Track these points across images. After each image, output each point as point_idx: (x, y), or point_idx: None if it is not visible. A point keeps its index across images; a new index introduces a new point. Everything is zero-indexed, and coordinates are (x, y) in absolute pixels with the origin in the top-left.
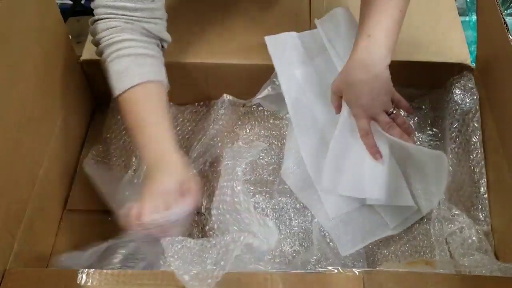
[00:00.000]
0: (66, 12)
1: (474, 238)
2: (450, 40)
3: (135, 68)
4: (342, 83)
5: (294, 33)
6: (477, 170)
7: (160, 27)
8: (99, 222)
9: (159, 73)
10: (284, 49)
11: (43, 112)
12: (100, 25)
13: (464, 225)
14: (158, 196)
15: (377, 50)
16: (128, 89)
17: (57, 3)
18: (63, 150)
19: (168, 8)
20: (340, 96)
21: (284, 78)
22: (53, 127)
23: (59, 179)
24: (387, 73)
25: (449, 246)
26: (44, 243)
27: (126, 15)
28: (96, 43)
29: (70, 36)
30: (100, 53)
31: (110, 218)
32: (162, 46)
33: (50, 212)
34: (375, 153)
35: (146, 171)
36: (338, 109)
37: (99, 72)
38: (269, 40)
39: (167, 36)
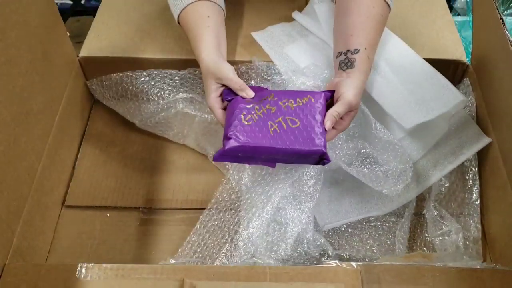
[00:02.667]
0: (66, 12)
1: (460, 243)
2: (445, 38)
3: None
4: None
5: (277, 25)
6: (470, 176)
7: None
8: (97, 218)
9: None
10: (272, 36)
11: (42, 108)
12: None
13: (452, 229)
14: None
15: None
16: (182, 10)
17: (57, 3)
18: (61, 146)
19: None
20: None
21: (277, 58)
22: (52, 123)
23: (57, 175)
24: None
25: (436, 246)
26: (43, 238)
27: None
28: None
29: (69, 35)
30: None
31: (108, 214)
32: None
33: (49, 208)
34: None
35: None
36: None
37: (98, 69)
38: (256, 34)
39: None
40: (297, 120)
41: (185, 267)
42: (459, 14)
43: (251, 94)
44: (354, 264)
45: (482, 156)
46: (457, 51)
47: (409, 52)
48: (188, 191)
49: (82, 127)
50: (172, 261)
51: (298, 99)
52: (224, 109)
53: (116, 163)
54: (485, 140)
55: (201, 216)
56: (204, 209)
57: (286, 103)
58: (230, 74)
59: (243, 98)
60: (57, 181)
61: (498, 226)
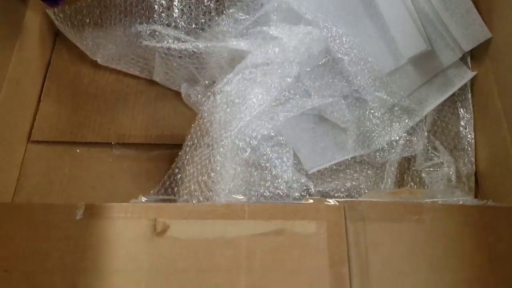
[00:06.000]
0: None
1: (453, 177)
2: None
3: None
4: None
5: None
6: (463, 109)
7: None
8: (66, 154)
9: None
10: None
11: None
12: None
13: (443, 161)
14: None
15: None
16: None
17: None
18: (24, 78)
19: None
20: None
21: None
22: (10, 53)
23: (21, 109)
24: None
25: (425, 181)
26: (8, 176)
27: None
28: None
29: None
30: None
31: (78, 150)
32: None
33: (13, 144)
34: None
35: None
36: None
37: None
38: None
39: None
40: None
41: (158, 205)
42: None
43: None
44: (336, 201)
45: (475, 88)
46: None
47: None
48: (163, 126)
49: (46, 58)
50: (144, 199)
51: None
52: None
53: (85, 96)
54: (470, 74)
55: (178, 154)
56: (180, 145)
57: None
58: None
59: None
60: (21, 115)
61: (490, 161)
